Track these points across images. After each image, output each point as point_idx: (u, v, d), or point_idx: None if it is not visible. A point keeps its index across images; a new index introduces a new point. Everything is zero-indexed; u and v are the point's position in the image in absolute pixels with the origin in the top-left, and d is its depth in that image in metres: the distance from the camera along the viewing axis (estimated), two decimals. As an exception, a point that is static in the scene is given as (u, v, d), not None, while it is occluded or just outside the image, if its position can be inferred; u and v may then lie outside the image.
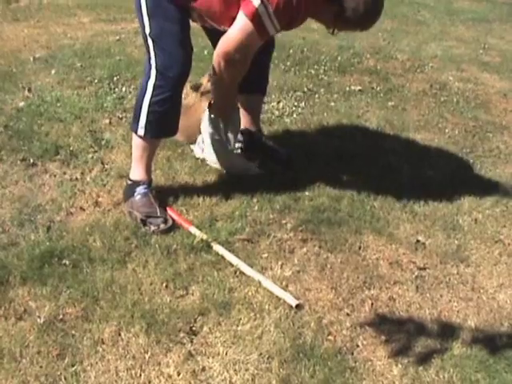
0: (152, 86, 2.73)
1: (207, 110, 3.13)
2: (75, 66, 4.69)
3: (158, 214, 2.78)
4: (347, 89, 4.71)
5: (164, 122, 2.83)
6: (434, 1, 8.90)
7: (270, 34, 2.72)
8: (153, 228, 2.72)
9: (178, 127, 2.93)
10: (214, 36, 2.94)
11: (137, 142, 2.86)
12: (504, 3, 9.20)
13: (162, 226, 2.73)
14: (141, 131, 2.80)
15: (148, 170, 2.91)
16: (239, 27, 2.66)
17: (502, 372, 2.15)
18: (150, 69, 2.74)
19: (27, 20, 6.10)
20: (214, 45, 2.94)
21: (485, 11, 8.39)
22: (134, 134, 2.86)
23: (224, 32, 2.77)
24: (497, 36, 7.02)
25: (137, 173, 2.89)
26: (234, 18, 2.67)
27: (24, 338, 2.11)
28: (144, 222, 2.74)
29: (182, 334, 2.18)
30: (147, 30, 2.72)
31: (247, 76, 2.92)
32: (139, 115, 2.79)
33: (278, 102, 4.29)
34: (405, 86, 4.92)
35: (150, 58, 2.74)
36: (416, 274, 2.63)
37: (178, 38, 2.73)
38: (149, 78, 2.74)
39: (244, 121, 3.43)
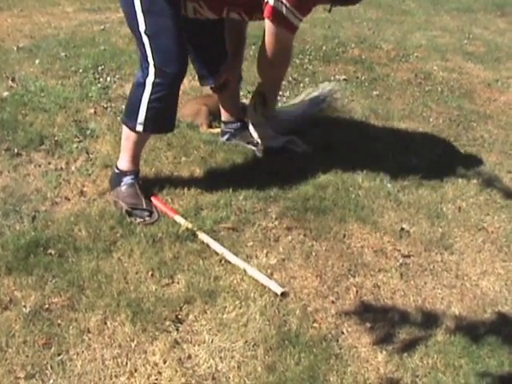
0: (151, 83, 2.69)
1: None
2: (59, 55, 4.67)
3: (144, 207, 2.78)
4: (332, 78, 4.71)
5: (163, 118, 2.82)
6: (419, -10, 8.92)
7: (297, 27, 2.86)
8: (138, 220, 2.72)
9: (175, 123, 2.94)
10: (195, 28, 3.00)
11: (128, 134, 2.84)
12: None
13: (148, 219, 2.73)
14: (139, 127, 2.77)
15: (136, 161, 2.91)
16: (268, 33, 2.84)
17: (485, 358, 2.17)
18: (148, 66, 2.68)
19: (10, 9, 6.06)
20: (191, 37, 2.96)
21: (469, 1, 8.40)
22: (125, 127, 2.84)
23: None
24: (481, 26, 7.04)
25: (125, 163, 2.88)
26: None
27: (10, 327, 2.11)
28: (129, 213, 2.74)
29: (167, 323, 2.19)
30: (142, 28, 2.64)
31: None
32: (137, 112, 2.74)
33: (263, 92, 4.28)
34: (389, 76, 4.93)
35: (147, 56, 2.67)
36: (400, 261, 2.65)
37: (175, 35, 2.68)
38: (147, 75, 2.69)
39: (227, 112, 3.46)
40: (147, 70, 2.69)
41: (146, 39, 2.66)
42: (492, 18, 7.59)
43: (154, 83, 2.69)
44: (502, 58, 5.74)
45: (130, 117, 2.80)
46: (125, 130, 2.85)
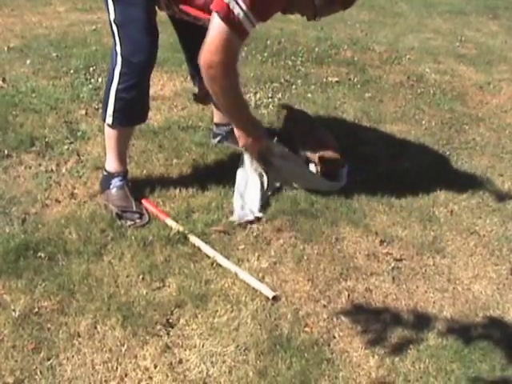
0: (118, 73, 2.66)
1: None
2: (51, 55, 4.65)
3: (134, 209, 2.77)
4: (324, 80, 4.71)
5: (131, 109, 2.77)
6: (411, -8, 8.93)
7: (248, 33, 2.48)
8: (129, 223, 2.71)
9: (147, 115, 2.89)
10: (181, 26, 2.96)
11: (108, 132, 2.82)
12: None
13: (138, 222, 2.72)
14: (109, 119, 2.75)
15: (122, 161, 2.88)
16: (211, 30, 2.45)
17: (477, 362, 2.17)
18: (116, 56, 2.67)
19: (1, 9, 6.02)
20: (181, 35, 2.93)
21: (461, 3, 8.41)
22: (105, 124, 2.82)
23: (193, 23, 2.75)
24: (473, 28, 7.05)
25: (111, 164, 2.86)
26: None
27: (-2, 331, 2.09)
28: (120, 216, 2.73)
29: (158, 327, 2.18)
30: (112, 16, 2.64)
31: None
32: (107, 103, 2.73)
33: (255, 93, 4.28)
34: (382, 78, 4.93)
35: (115, 45, 2.67)
36: (392, 265, 2.64)
37: (143, 25, 2.64)
38: (115, 64, 2.67)
39: (219, 114, 3.43)
40: (115, 59, 2.67)
41: (115, 28, 2.65)
42: (484, 20, 7.60)
43: (120, 73, 2.66)
44: (493, 61, 5.74)
45: (103, 109, 2.78)
46: (105, 128, 2.83)
